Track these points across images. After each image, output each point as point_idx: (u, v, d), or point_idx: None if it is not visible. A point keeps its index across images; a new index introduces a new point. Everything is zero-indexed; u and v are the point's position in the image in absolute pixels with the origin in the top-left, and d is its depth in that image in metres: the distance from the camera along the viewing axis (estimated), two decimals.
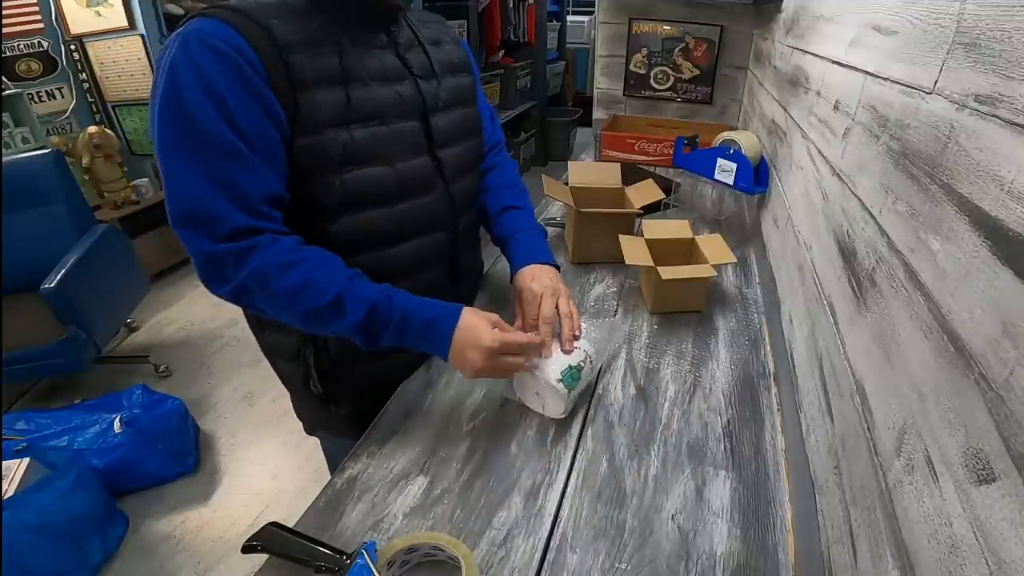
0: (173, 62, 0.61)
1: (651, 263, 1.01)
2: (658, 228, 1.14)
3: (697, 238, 1.11)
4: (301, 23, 0.67)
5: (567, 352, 0.77)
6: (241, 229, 0.64)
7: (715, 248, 1.06)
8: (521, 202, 0.99)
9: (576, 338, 0.79)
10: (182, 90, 0.61)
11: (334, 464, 1.04)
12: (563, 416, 0.77)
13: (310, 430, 0.98)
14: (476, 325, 0.70)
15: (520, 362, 0.73)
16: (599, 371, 0.88)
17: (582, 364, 0.78)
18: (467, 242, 0.92)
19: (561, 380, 0.75)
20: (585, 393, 0.82)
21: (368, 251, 0.76)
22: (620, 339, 0.97)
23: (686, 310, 1.04)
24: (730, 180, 1.34)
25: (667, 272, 0.97)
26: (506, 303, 1.03)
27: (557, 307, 0.81)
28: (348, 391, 0.85)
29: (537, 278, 0.85)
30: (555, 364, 0.75)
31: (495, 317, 0.73)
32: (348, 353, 0.79)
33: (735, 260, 1.03)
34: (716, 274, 1.00)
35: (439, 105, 0.81)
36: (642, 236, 1.11)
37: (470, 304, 1.00)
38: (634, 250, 1.05)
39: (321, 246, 0.72)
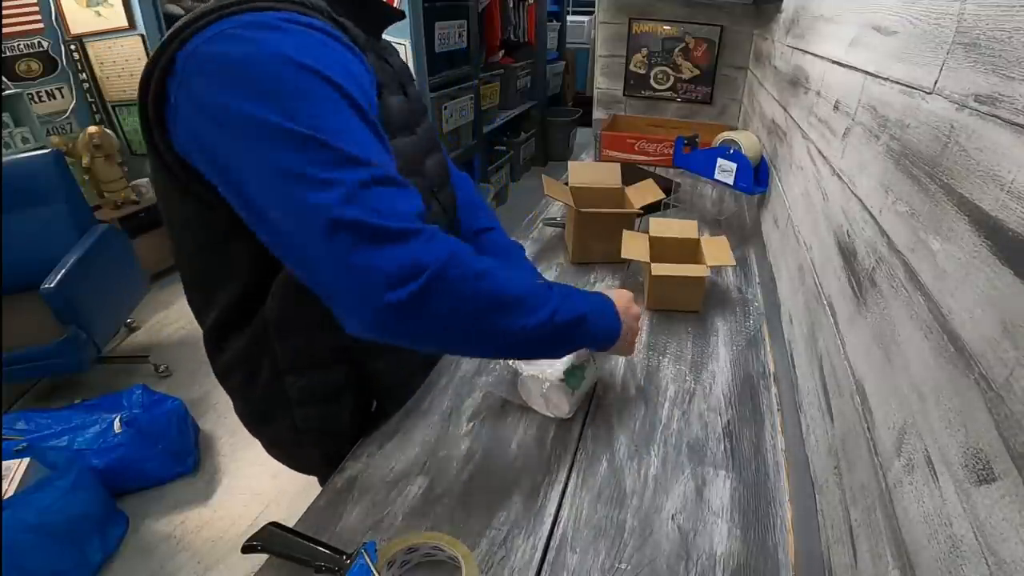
0: (268, 43, 0.46)
1: (647, 258, 1.02)
2: (664, 226, 1.15)
3: (702, 239, 1.11)
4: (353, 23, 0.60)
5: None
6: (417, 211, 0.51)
7: (717, 249, 1.06)
8: (488, 222, 0.95)
9: None
10: (317, 64, 0.47)
11: None
12: (569, 416, 0.77)
13: (309, 469, 0.87)
14: (621, 297, 0.74)
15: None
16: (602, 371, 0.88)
17: (586, 364, 0.78)
18: None
19: (564, 380, 0.75)
20: (587, 393, 0.83)
21: None
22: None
23: (682, 309, 1.04)
24: (730, 180, 1.34)
25: (658, 268, 0.98)
26: None
27: None
28: (394, 394, 0.81)
29: None
30: (559, 364, 0.76)
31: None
32: (392, 378, 0.77)
33: (734, 263, 1.03)
34: (708, 274, 1.01)
35: (419, 115, 0.79)
36: (647, 233, 1.11)
37: None
38: (633, 245, 1.06)
39: None
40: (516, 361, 0.80)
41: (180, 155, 0.52)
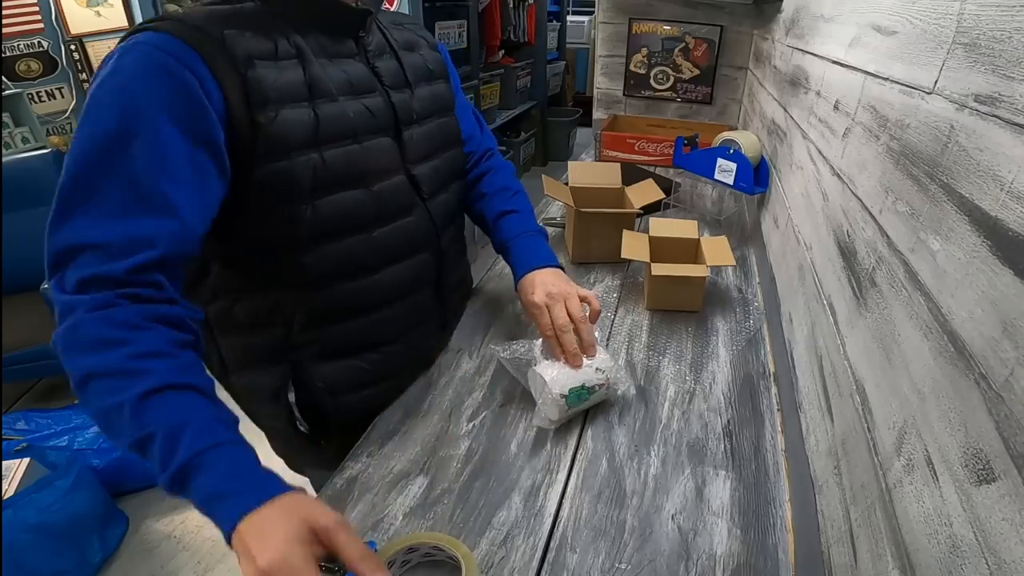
0: (107, 78, 0.53)
1: (647, 258, 1.02)
2: (664, 226, 1.15)
3: (702, 239, 1.11)
4: (258, 32, 0.60)
5: (576, 367, 0.74)
6: (95, 278, 0.52)
7: (717, 249, 1.06)
8: (517, 205, 0.94)
9: (587, 353, 0.75)
10: (108, 111, 0.53)
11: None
12: (550, 428, 0.75)
13: (297, 468, 0.91)
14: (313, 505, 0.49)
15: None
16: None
17: (597, 387, 0.75)
18: (452, 258, 0.88)
19: (566, 396, 0.72)
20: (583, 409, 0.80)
21: (347, 281, 0.71)
22: (620, 339, 0.97)
23: (682, 309, 1.04)
24: (730, 180, 1.34)
25: (658, 268, 0.98)
26: (500, 311, 1.03)
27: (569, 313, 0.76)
28: (338, 424, 0.78)
29: (538, 287, 0.80)
30: (567, 379, 0.73)
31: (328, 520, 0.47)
32: (335, 383, 0.75)
33: (734, 263, 1.03)
34: (708, 274, 1.00)
35: (413, 117, 0.76)
36: (647, 233, 1.11)
37: (456, 320, 0.97)
38: (633, 245, 1.06)
39: (295, 280, 0.67)
40: (538, 352, 0.78)
41: None
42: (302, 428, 0.77)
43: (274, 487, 0.49)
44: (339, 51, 0.68)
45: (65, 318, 0.51)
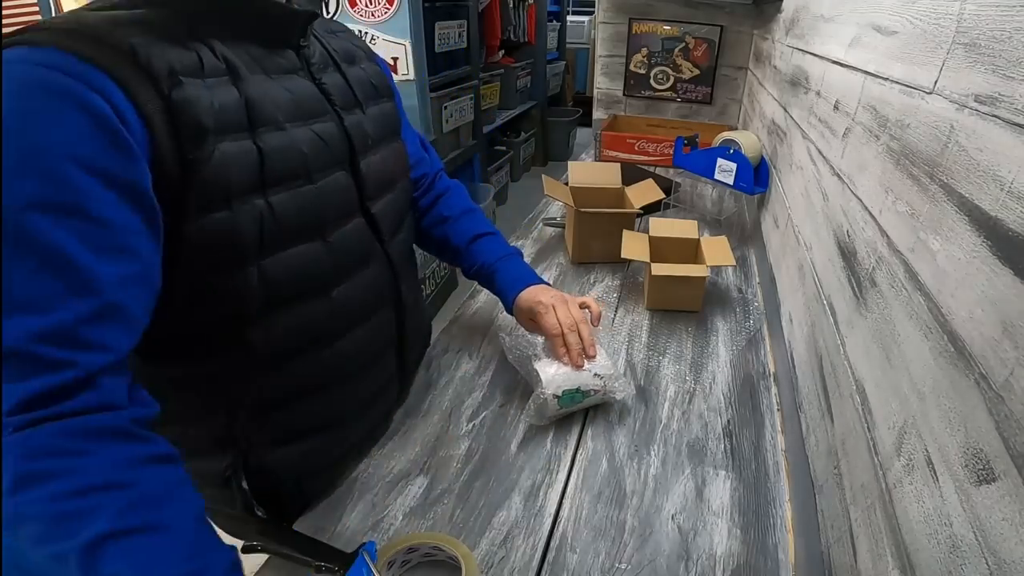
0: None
1: (647, 258, 1.02)
2: (664, 226, 1.15)
3: (702, 239, 1.11)
4: (174, 39, 0.45)
5: (579, 368, 0.74)
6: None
7: (717, 249, 1.06)
8: (488, 227, 0.87)
9: (588, 352, 0.75)
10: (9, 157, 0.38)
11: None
12: (540, 423, 0.76)
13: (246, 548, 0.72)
14: None
15: None
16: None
17: (592, 392, 0.76)
18: (411, 310, 0.75)
19: (559, 397, 0.73)
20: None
21: (302, 356, 0.59)
22: (620, 339, 0.97)
23: (683, 309, 1.04)
24: (730, 180, 1.34)
25: (658, 268, 0.98)
26: (500, 311, 0.99)
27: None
28: (302, 505, 0.66)
29: (539, 294, 0.79)
30: (563, 379, 0.74)
31: None
32: (292, 471, 0.63)
33: (734, 263, 1.03)
34: (708, 274, 1.00)
35: (368, 143, 0.63)
36: (647, 233, 1.11)
37: (413, 374, 0.83)
38: (633, 245, 1.06)
39: (238, 362, 0.55)
40: (540, 349, 0.79)
41: None
42: (260, 513, 0.65)
43: None
44: (278, 65, 0.54)
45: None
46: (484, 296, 1.08)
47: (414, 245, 0.83)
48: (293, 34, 0.56)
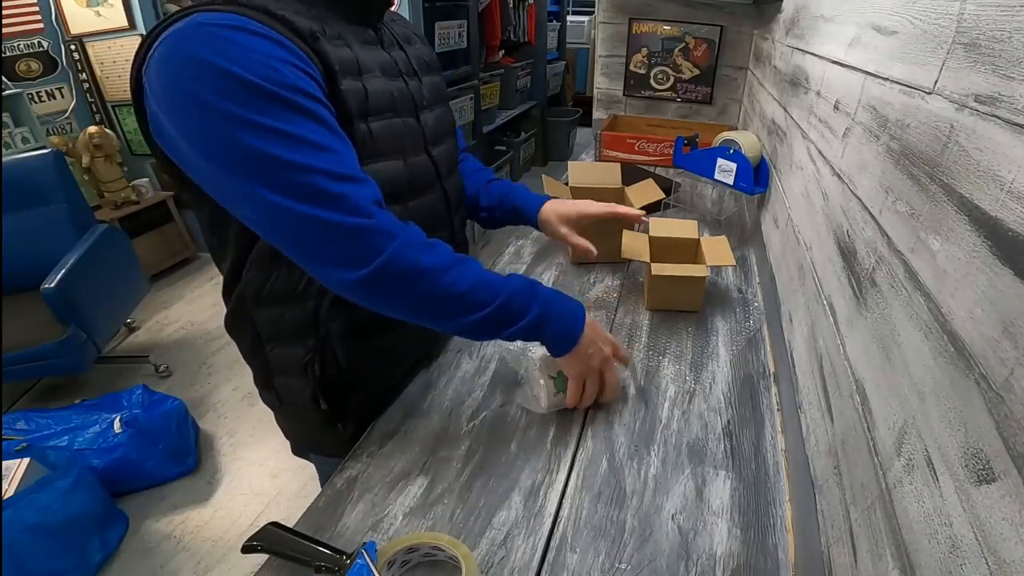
0: (203, 49, 0.51)
1: (646, 258, 1.02)
2: (664, 226, 1.15)
3: (702, 239, 1.10)
4: (305, 15, 0.63)
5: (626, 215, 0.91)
6: (377, 199, 0.60)
7: (717, 250, 1.06)
8: (495, 177, 1.03)
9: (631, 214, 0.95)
10: (240, 70, 0.52)
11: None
12: (544, 412, 0.78)
13: (300, 451, 0.93)
14: (594, 330, 0.75)
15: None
16: None
17: None
18: (462, 241, 0.92)
19: (554, 379, 0.76)
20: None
21: None
22: (620, 339, 0.97)
23: (682, 310, 1.04)
24: (730, 180, 1.34)
25: (658, 268, 0.99)
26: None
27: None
28: (356, 405, 0.81)
29: (565, 203, 0.96)
30: (553, 360, 0.76)
31: None
32: (358, 361, 0.77)
33: (734, 263, 1.03)
34: (708, 274, 1.01)
35: (425, 103, 0.80)
36: (647, 233, 1.11)
37: None
38: (633, 244, 1.06)
39: None
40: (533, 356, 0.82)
41: (160, 146, 0.59)
42: (323, 406, 0.79)
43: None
44: (365, 38, 0.72)
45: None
46: None
47: None
48: (373, 16, 0.74)
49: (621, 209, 0.98)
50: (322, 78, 0.60)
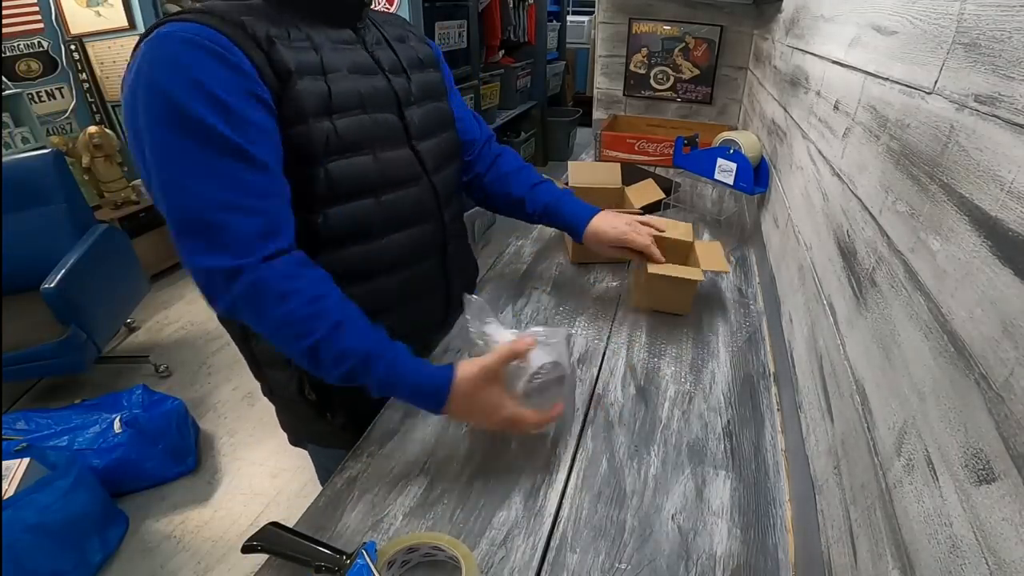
0: (153, 64, 0.58)
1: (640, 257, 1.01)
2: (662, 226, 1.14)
3: (697, 243, 1.09)
4: (271, 20, 0.67)
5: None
6: (244, 239, 0.61)
7: (712, 255, 1.05)
8: (541, 177, 1.04)
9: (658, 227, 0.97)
10: (173, 91, 0.58)
11: (326, 474, 1.01)
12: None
13: (297, 442, 0.96)
14: (474, 369, 0.66)
15: (534, 422, 0.67)
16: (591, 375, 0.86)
17: (539, 373, 0.67)
18: (455, 233, 0.93)
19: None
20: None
21: (355, 244, 0.76)
22: (620, 339, 0.97)
23: (672, 311, 1.04)
24: (730, 180, 1.34)
25: (654, 268, 0.97)
26: (500, 311, 1.04)
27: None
28: (344, 398, 0.82)
29: (612, 218, 0.97)
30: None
31: (490, 366, 0.66)
32: None
33: (728, 269, 1.02)
34: (703, 279, 0.98)
35: (411, 99, 0.82)
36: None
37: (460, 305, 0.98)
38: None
39: (307, 242, 0.69)
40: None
41: None
42: (311, 397, 0.81)
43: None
44: (342, 39, 0.75)
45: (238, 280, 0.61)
46: (484, 297, 1.08)
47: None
48: (350, 17, 0.77)
49: (655, 253, 0.97)
50: (275, 80, 0.64)
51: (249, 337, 0.82)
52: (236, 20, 0.63)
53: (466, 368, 0.66)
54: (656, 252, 0.97)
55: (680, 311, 1.04)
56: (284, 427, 0.94)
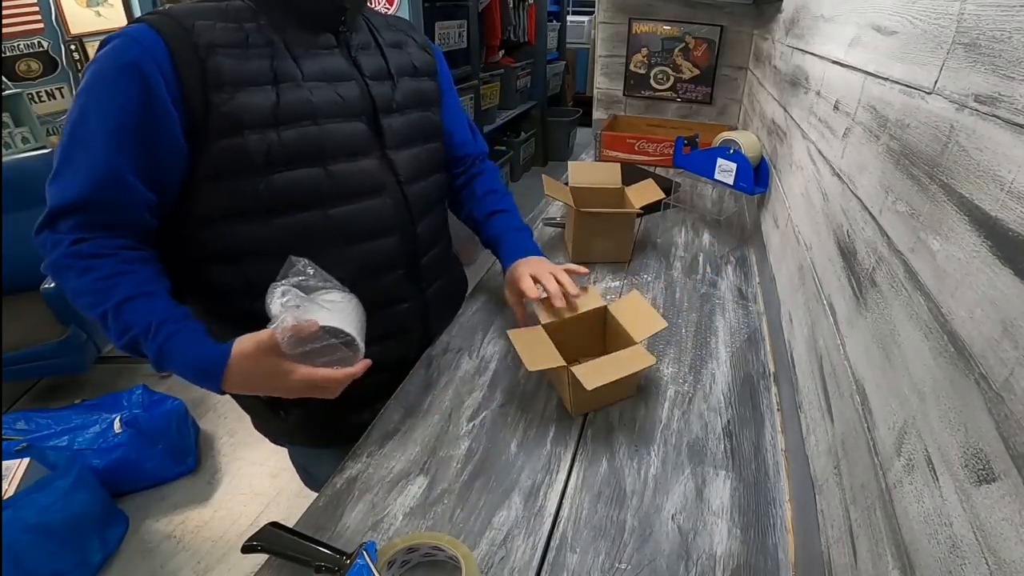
0: (94, 60, 0.64)
1: (561, 362, 0.74)
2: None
3: (612, 305, 0.88)
4: (234, 26, 0.68)
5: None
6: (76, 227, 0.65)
7: (639, 316, 0.84)
8: (506, 205, 1.01)
9: (570, 293, 0.86)
10: (85, 92, 0.63)
11: (304, 472, 1.01)
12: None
13: (273, 440, 0.95)
14: (250, 345, 0.64)
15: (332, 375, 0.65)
16: None
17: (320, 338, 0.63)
18: (429, 243, 0.90)
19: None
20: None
21: (306, 257, 0.69)
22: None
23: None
24: (730, 180, 1.34)
25: (590, 379, 0.70)
26: (500, 311, 1.04)
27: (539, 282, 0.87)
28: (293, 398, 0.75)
29: (524, 266, 0.90)
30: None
31: (264, 340, 0.63)
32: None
33: (665, 324, 0.82)
34: (655, 362, 0.76)
35: (393, 107, 0.81)
36: (539, 324, 0.84)
37: (443, 313, 1.00)
38: (533, 346, 0.78)
39: (256, 250, 0.72)
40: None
41: None
42: (261, 396, 0.80)
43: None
44: (317, 43, 0.74)
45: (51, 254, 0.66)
46: (484, 297, 1.08)
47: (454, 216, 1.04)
48: (327, 22, 0.75)
49: (542, 311, 0.87)
50: (199, 94, 0.65)
51: (210, 332, 0.75)
52: (187, 25, 0.65)
53: (242, 344, 0.64)
54: (543, 312, 0.86)
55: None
56: (255, 427, 0.93)
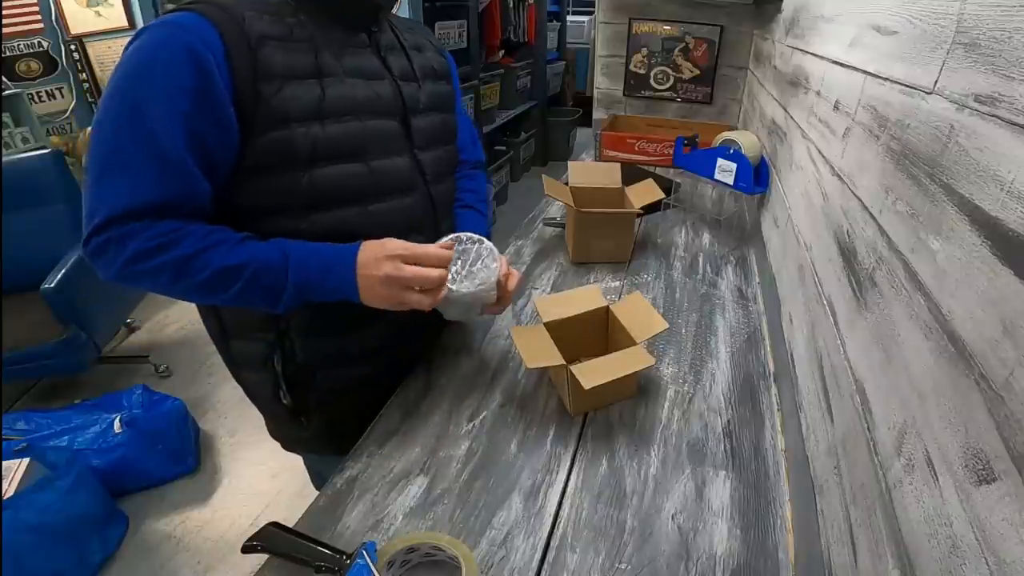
0: (137, 49, 0.61)
1: (561, 361, 0.75)
2: (561, 304, 0.89)
3: (615, 306, 0.87)
4: (277, 19, 0.67)
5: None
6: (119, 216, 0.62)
7: (641, 316, 0.83)
8: (471, 226, 0.92)
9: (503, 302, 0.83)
10: (134, 82, 0.60)
11: (320, 479, 1.00)
12: (455, 319, 0.78)
13: (287, 447, 0.94)
14: (377, 246, 0.68)
15: (431, 275, 0.69)
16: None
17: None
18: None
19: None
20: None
21: None
22: None
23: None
24: (730, 180, 1.34)
25: (589, 378, 0.71)
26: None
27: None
28: (317, 402, 0.81)
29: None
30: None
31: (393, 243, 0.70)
32: (315, 359, 0.78)
33: (667, 326, 0.82)
34: (654, 363, 0.77)
35: (419, 108, 0.81)
36: (542, 323, 0.84)
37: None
38: (534, 344, 0.79)
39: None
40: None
41: None
42: (285, 401, 0.80)
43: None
44: (352, 42, 0.74)
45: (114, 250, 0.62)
46: None
47: None
48: (364, 20, 0.76)
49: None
50: (250, 85, 0.64)
51: (228, 336, 0.80)
52: (237, 14, 0.63)
53: (367, 242, 0.69)
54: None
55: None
56: (270, 432, 0.91)
